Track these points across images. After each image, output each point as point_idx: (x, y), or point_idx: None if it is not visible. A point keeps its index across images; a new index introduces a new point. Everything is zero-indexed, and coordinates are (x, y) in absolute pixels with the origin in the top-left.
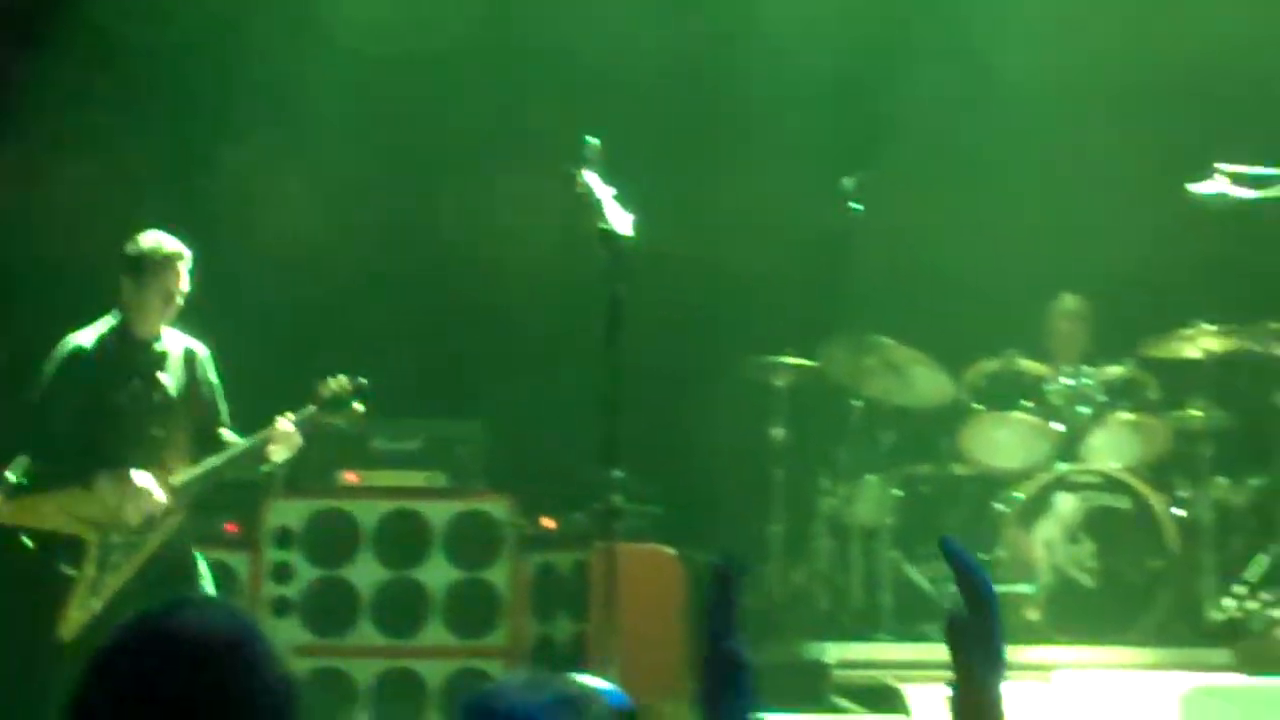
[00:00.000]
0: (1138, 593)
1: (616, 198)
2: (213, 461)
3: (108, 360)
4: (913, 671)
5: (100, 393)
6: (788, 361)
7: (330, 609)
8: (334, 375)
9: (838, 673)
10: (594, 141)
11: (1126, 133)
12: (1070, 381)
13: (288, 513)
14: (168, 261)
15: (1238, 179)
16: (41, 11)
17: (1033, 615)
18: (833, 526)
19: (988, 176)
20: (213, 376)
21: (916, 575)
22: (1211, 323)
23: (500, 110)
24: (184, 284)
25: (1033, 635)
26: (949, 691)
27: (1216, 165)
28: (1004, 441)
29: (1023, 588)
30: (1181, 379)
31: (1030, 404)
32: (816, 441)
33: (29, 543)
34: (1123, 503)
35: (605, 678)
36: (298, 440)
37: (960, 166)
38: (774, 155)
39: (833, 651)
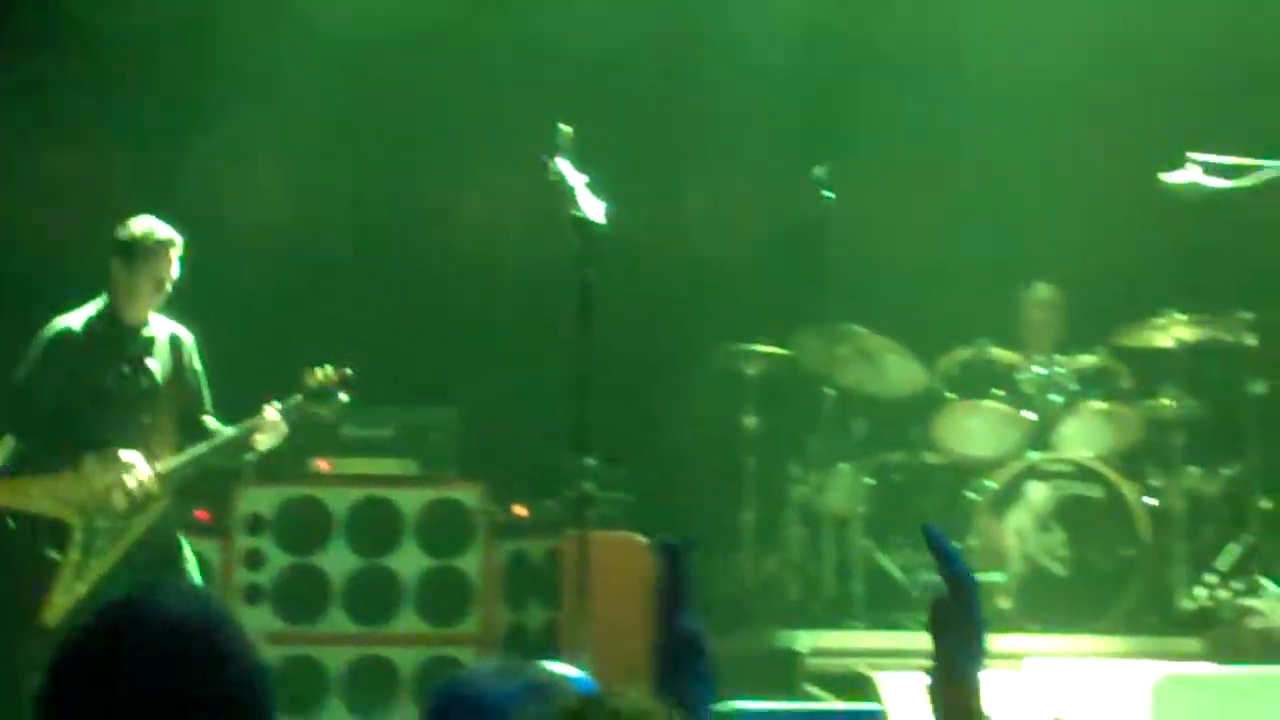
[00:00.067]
0: (1109, 581)
1: (589, 185)
2: (200, 448)
3: (95, 344)
4: (885, 659)
5: (87, 376)
6: (760, 350)
7: (302, 596)
8: (319, 365)
9: (810, 661)
10: (566, 129)
11: (1099, 122)
12: (1042, 370)
13: (259, 500)
14: (160, 247)
15: (1210, 169)
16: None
17: (1004, 604)
18: (805, 515)
19: (960, 165)
20: (197, 364)
21: (888, 563)
22: (1184, 312)
23: (473, 97)
24: (174, 271)
25: (1004, 623)
26: (928, 680)
27: (1189, 155)
28: (976, 430)
29: (994, 576)
30: (1153, 368)
31: (1002, 392)
32: (789, 430)
33: (12, 524)
34: (1094, 491)
35: (577, 666)
36: (284, 429)
37: (933, 155)
38: (746, 143)
39: (805, 640)
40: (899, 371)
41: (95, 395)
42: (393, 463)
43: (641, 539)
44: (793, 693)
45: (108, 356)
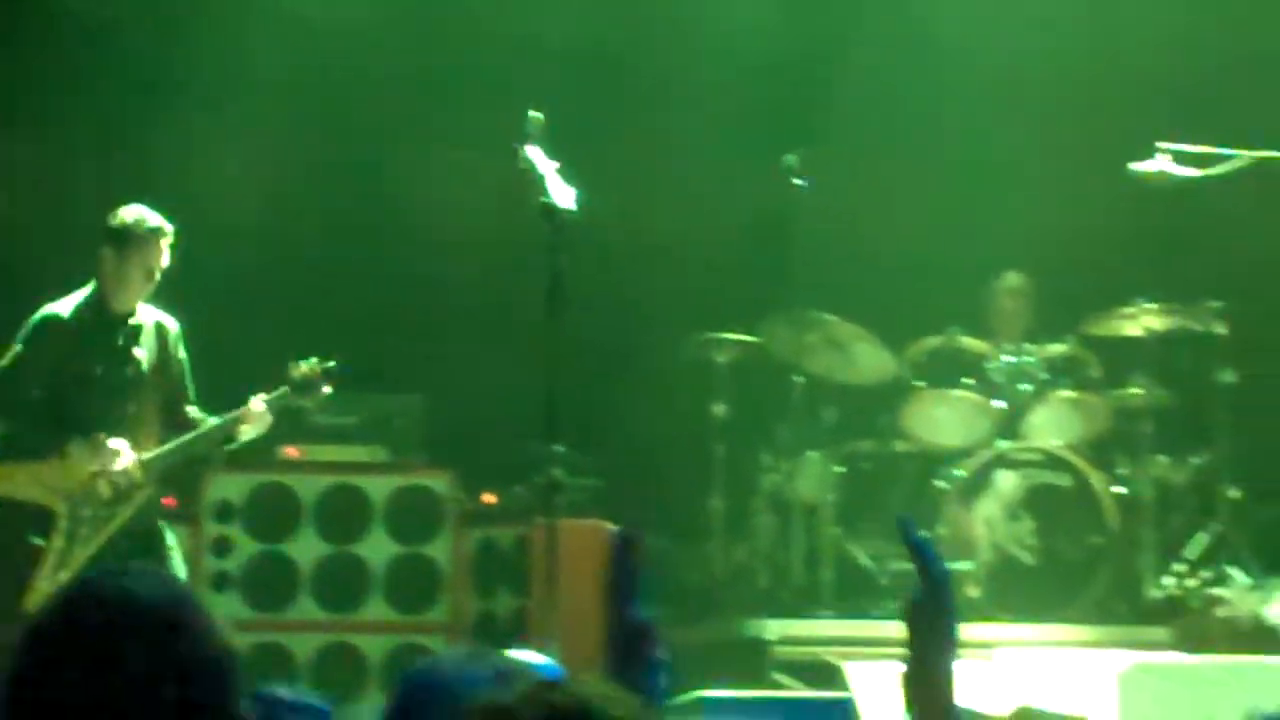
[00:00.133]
0: (1077, 570)
1: (559, 172)
2: (186, 437)
3: (84, 331)
4: (853, 648)
5: (74, 364)
6: (729, 337)
7: (270, 583)
8: (305, 358)
9: (778, 649)
10: (537, 116)
11: (1069, 111)
12: (1012, 359)
13: (228, 486)
14: (151, 236)
15: (1179, 158)
16: None
17: (973, 592)
18: (774, 503)
19: (931, 153)
20: (182, 352)
21: (857, 552)
22: (1153, 301)
23: (442, 85)
24: (165, 259)
25: (973, 612)
26: (902, 669)
27: (1158, 144)
28: (945, 419)
29: (963, 565)
30: (1122, 357)
31: (972, 381)
32: (758, 418)
33: None
34: (1063, 480)
35: (546, 653)
36: (269, 420)
37: (903, 143)
38: (717, 131)
39: (773, 628)
40: (868, 360)
41: (82, 383)
42: (361, 450)
43: (611, 527)
44: (761, 681)
45: (96, 344)
